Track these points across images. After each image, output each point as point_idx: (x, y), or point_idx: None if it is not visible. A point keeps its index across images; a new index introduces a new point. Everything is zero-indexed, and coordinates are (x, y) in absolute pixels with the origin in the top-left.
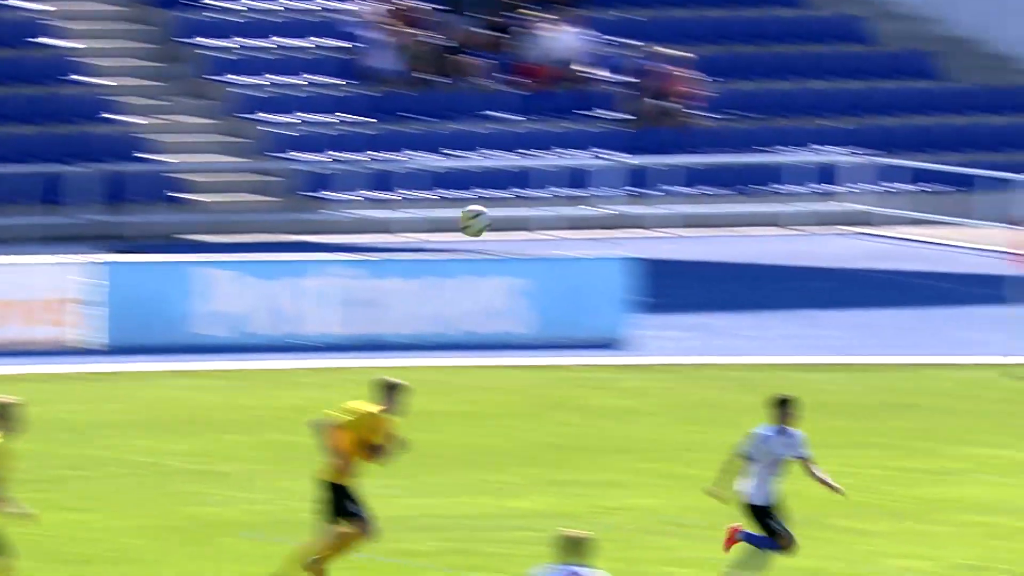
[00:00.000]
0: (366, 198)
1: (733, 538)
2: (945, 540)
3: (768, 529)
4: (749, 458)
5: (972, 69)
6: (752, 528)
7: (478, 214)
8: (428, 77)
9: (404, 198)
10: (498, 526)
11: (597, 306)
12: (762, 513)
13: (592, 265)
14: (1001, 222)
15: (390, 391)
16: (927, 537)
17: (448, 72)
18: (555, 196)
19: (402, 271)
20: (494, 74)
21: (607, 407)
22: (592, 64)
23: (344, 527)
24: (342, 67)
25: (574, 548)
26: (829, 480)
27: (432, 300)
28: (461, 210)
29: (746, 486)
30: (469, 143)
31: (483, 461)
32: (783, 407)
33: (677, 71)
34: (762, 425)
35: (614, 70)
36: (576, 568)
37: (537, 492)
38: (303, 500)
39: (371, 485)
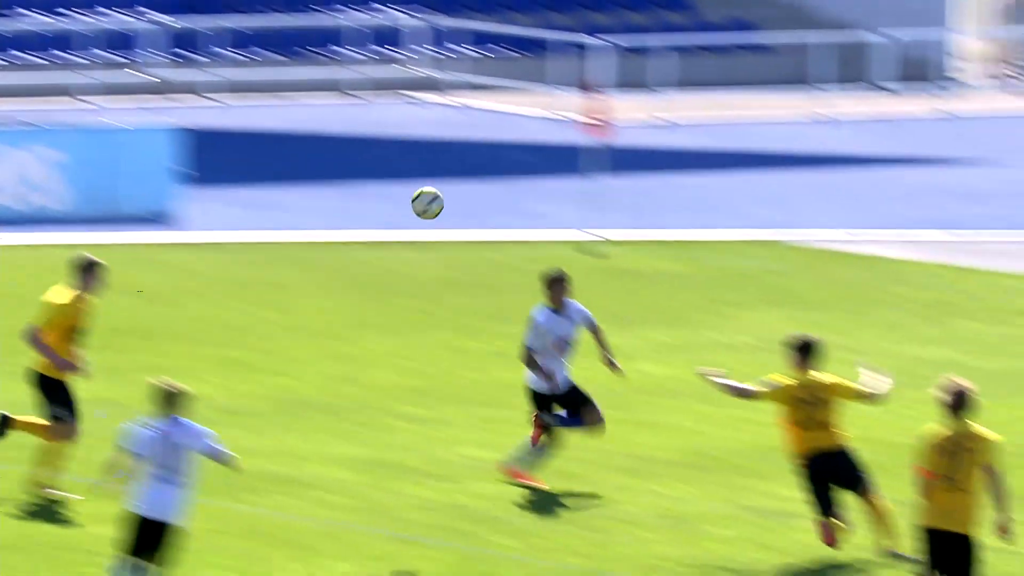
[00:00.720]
0: None
1: (539, 426)
2: (516, 427)
3: (571, 406)
4: (535, 348)
5: None
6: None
7: (434, 198)
8: None
9: None
10: None
11: (141, 179)
12: (549, 400)
13: (136, 135)
14: (574, 88)
15: (88, 269)
16: (498, 424)
17: None
18: (96, 60)
19: None
20: None
21: (155, 287)
22: None
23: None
24: None
25: (170, 401)
26: (614, 358)
27: None
28: (413, 199)
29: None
30: (2, 2)
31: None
32: (557, 285)
33: None
34: (537, 308)
35: None
36: (176, 420)
37: (88, 379)
38: None
39: None
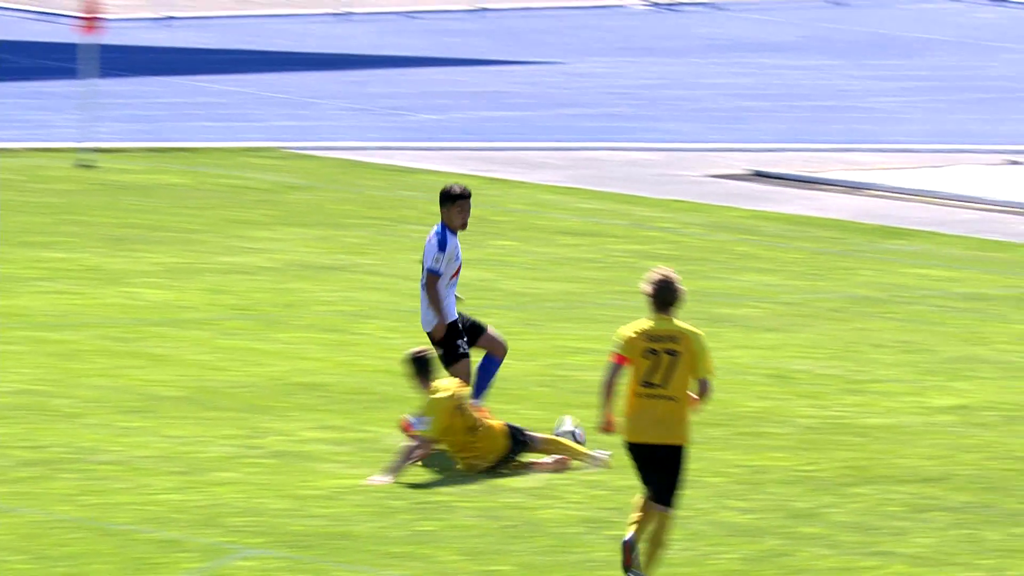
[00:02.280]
0: None
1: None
2: (13, 359)
3: (454, 348)
4: (439, 273)
5: None
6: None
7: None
8: None
9: None
10: None
11: None
12: (453, 329)
13: None
14: None
15: None
16: None
17: None
18: None
19: None
20: None
21: None
22: None
23: None
24: None
25: None
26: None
27: None
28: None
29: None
30: None
31: None
32: (465, 202)
33: None
34: (441, 230)
35: None
36: None
37: None
38: None
39: None
